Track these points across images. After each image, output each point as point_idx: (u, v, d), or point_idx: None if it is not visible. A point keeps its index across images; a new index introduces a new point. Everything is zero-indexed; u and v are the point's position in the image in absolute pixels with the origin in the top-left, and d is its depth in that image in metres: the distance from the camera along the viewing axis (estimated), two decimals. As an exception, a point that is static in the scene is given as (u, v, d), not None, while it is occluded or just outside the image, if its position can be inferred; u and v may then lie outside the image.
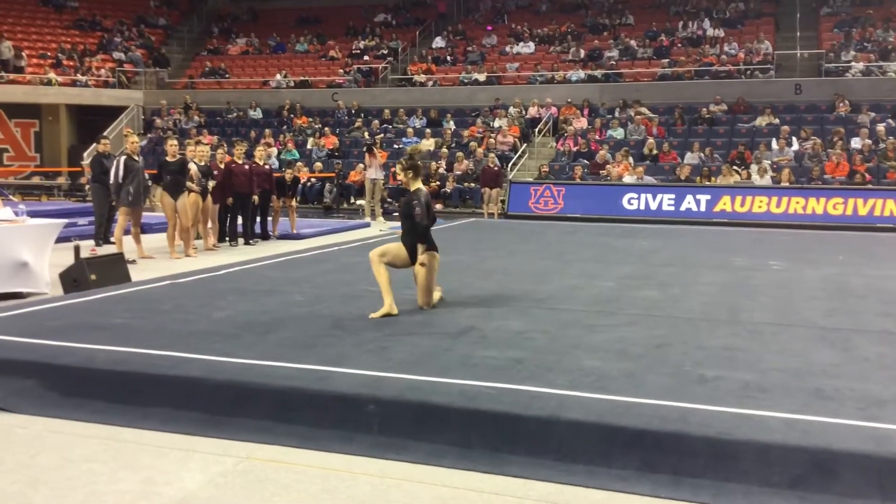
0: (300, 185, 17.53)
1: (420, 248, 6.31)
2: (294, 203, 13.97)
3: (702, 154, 18.99)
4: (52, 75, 25.51)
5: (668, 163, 19.07)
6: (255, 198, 12.28)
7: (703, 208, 17.01)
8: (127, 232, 10.73)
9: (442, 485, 3.52)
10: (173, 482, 3.51)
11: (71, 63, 26.56)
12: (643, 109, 21.54)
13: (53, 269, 7.97)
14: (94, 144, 14.71)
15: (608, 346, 5.28)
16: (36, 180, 24.21)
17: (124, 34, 29.25)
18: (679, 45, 24.10)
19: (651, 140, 19.87)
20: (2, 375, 4.72)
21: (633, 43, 24.48)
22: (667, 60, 23.21)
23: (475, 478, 3.61)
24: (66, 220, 9.38)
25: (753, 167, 18.01)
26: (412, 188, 6.51)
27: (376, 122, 23.51)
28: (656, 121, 21.03)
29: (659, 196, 17.42)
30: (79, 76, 26.15)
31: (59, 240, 8.47)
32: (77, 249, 8.62)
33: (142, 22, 30.52)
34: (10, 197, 18.66)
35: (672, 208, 17.20)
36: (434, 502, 3.35)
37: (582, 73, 23.51)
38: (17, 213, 7.93)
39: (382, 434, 3.99)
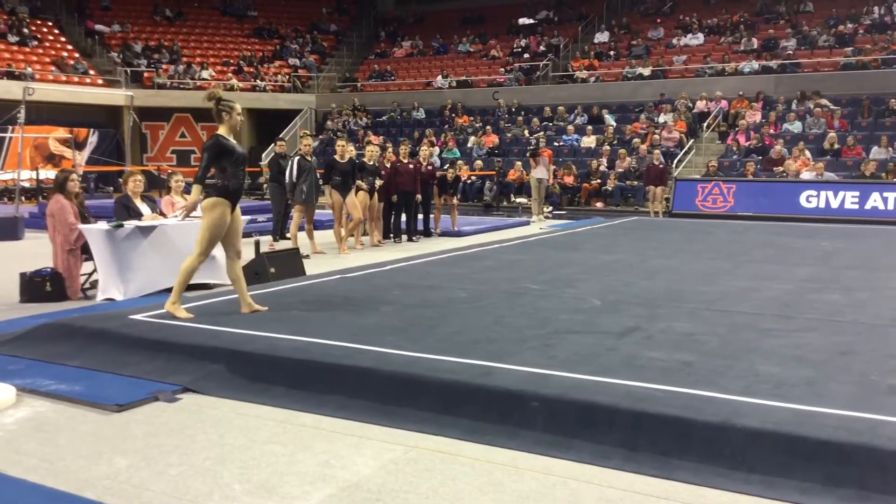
0: (461, 183, 17.79)
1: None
2: (455, 201, 14.21)
3: (890, 148, 17.54)
4: (234, 81, 27.40)
5: (851, 158, 17.78)
6: (419, 196, 12.61)
7: (891, 207, 15.75)
8: (301, 228, 11.33)
9: (609, 486, 3.47)
10: (348, 466, 3.67)
11: (250, 69, 28.38)
12: (824, 101, 20.19)
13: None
14: (272, 145, 15.65)
15: (786, 351, 5.00)
16: (219, 180, 26.04)
17: (298, 41, 30.90)
18: (864, 31, 22.38)
19: (832, 134, 18.59)
20: (193, 359, 5.11)
21: (812, 31, 23.00)
22: (850, 49, 21.63)
23: (642, 481, 3.52)
24: (247, 217, 9.97)
25: (951, 162, 16.45)
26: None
27: (536, 119, 23.47)
28: (838, 113, 19.65)
29: (841, 193, 16.29)
30: (258, 81, 27.89)
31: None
32: (258, 244, 9.21)
33: (314, 28, 32.13)
34: (198, 195, 20.15)
35: (856, 207, 16.04)
36: (600, 503, 3.31)
37: (755, 65, 22.37)
38: (205, 210, 8.53)
39: (547, 431, 3.97)
